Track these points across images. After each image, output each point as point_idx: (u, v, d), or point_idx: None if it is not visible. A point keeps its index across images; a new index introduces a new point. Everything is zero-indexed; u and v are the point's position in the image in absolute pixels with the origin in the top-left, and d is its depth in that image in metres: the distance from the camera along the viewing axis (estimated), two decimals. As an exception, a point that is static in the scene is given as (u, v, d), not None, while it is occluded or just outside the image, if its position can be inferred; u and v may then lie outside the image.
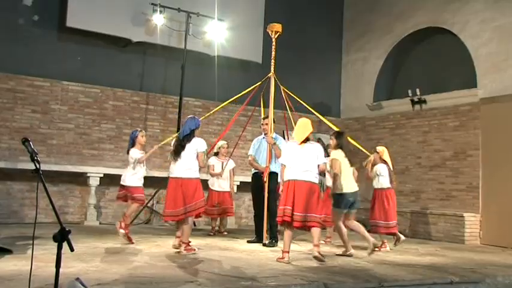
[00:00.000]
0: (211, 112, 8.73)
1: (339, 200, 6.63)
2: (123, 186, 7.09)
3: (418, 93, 10.72)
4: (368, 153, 8.08)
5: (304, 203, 5.77)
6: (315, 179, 5.94)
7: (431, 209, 10.07)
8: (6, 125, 9.10)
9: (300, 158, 5.93)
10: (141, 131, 7.24)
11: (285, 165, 6.01)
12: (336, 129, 7.69)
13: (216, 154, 8.88)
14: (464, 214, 9.28)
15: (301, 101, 8.17)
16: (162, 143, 8.08)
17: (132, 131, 7.38)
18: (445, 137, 10.23)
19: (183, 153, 6.17)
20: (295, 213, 5.77)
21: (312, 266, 5.58)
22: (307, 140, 6.07)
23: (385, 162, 7.82)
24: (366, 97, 12.06)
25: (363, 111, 12.10)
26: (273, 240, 7.29)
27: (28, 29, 9.42)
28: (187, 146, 6.18)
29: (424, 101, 10.71)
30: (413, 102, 10.89)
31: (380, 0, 12.04)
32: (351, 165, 6.72)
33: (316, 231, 5.88)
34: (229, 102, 8.39)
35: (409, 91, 10.89)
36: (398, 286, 4.80)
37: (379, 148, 8.02)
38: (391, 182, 7.77)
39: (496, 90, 9.38)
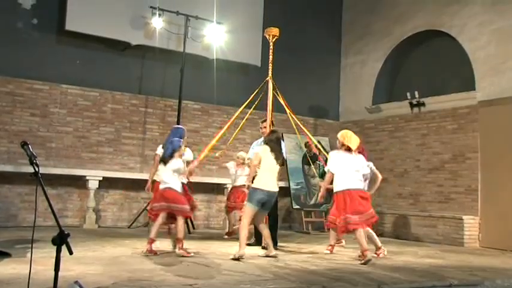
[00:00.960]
0: (233, 119, 8.35)
1: (252, 194, 6.42)
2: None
3: (417, 96, 10.73)
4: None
5: (356, 208, 6.35)
6: (362, 185, 6.62)
7: (430, 211, 10.07)
8: (5, 128, 9.10)
9: (353, 166, 6.49)
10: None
11: (333, 173, 6.51)
12: (309, 134, 8.16)
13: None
14: (463, 217, 9.28)
15: (286, 107, 8.09)
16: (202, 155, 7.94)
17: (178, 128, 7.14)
18: (443, 139, 10.24)
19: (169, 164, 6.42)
20: (350, 215, 6.32)
21: (311, 270, 5.58)
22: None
23: None
24: (364, 100, 12.07)
25: (361, 114, 12.11)
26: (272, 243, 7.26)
27: (27, 33, 9.42)
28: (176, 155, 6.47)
29: (423, 104, 10.72)
30: (412, 105, 10.90)
31: (379, 3, 12.07)
32: (278, 164, 6.48)
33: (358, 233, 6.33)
34: (243, 108, 8.22)
35: (408, 94, 10.90)
36: (397, 289, 4.80)
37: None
38: None
39: (495, 93, 9.40)
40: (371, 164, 7.23)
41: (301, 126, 8.42)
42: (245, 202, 6.57)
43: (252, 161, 6.64)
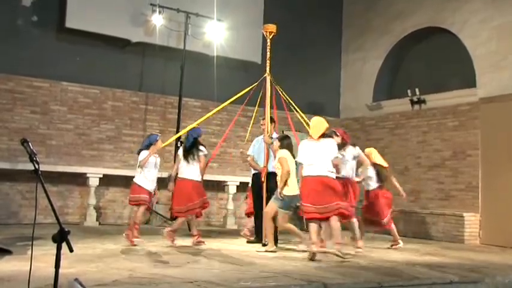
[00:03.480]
0: (210, 113, 8.58)
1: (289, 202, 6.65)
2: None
3: (418, 93, 10.72)
4: None
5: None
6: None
7: (430, 208, 10.07)
8: (5, 125, 9.10)
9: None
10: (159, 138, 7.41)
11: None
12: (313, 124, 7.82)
13: None
14: (464, 214, 9.28)
15: (290, 101, 8.05)
16: (163, 145, 7.98)
17: (152, 134, 7.52)
18: (444, 136, 10.23)
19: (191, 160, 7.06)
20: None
21: (311, 266, 5.58)
22: (323, 135, 6.37)
23: (374, 164, 7.76)
24: (365, 97, 12.06)
25: (362, 111, 12.10)
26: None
27: (27, 30, 9.41)
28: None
29: (424, 101, 10.71)
30: (412, 102, 10.89)
31: (379, 0, 12.04)
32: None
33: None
34: (229, 103, 8.27)
35: (409, 91, 10.89)
36: (397, 286, 4.79)
37: (367, 150, 7.87)
38: (380, 181, 7.74)
39: (495, 89, 9.38)
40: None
41: (305, 119, 8.39)
42: (279, 208, 6.61)
43: (286, 167, 6.54)
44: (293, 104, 8.02)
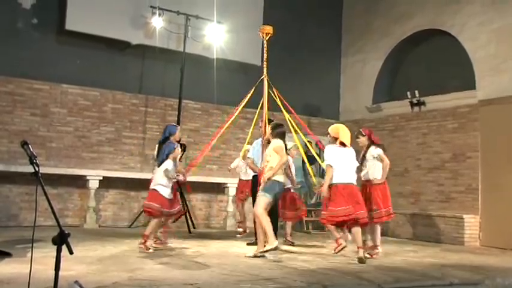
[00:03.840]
0: (233, 118, 8.42)
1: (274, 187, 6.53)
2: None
3: (417, 95, 10.73)
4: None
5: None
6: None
7: (430, 210, 10.07)
8: (5, 128, 9.10)
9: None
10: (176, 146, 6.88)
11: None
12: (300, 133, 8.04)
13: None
14: (464, 216, 9.28)
15: (280, 104, 8.04)
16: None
17: (169, 144, 6.86)
18: (444, 138, 10.24)
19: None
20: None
21: (311, 268, 5.58)
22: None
23: None
24: (365, 99, 12.07)
25: (362, 113, 12.10)
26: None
27: (27, 32, 9.42)
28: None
29: (423, 103, 10.72)
30: (412, 104, 10.90)
31: (379, 2, 12.05)
32: None
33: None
34: (242, 108, 8.24)
35: (408, 93, 10.90)
36: (397, 288, 4.81)
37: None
38: None
39: (495, 92, 9.39)
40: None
41: (295, 125, 8.34)
42: (262, 193, 6.49)
43: (285, 157, 6.59)
44: (282, 106, 8.01)
